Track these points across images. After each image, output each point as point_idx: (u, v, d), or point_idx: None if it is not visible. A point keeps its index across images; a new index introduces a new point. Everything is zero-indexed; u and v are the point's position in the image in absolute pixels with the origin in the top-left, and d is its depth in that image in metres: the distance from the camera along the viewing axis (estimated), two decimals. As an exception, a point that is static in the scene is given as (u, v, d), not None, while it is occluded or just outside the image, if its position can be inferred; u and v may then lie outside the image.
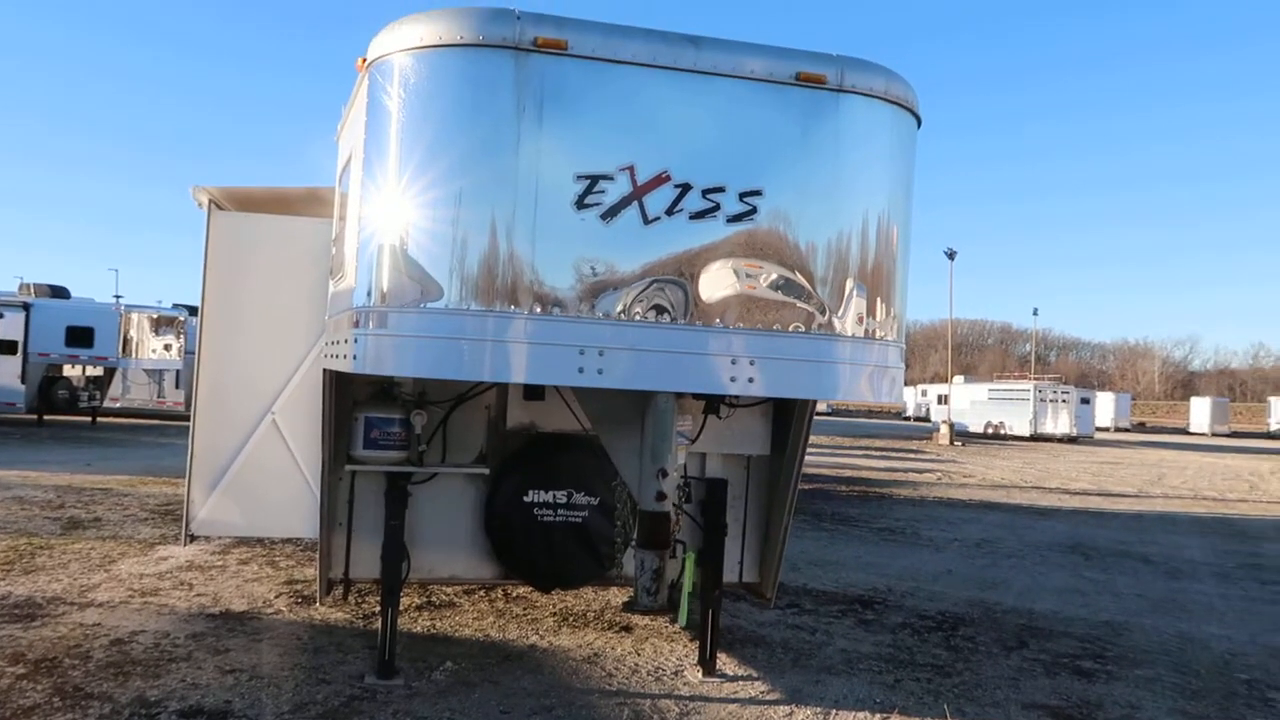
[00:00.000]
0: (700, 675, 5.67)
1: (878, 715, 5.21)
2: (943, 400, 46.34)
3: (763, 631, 6.78)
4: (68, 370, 23.65)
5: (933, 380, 67.53)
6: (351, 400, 5.14)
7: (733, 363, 3.46)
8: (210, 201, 6.04)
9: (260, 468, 5.99)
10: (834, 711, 5.23)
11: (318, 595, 5.36)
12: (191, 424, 6.37)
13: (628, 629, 6.65)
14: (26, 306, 22.18)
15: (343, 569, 5.41)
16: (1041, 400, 44.44)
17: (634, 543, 4.03)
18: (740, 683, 5.62)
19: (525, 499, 5.28)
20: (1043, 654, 6.64)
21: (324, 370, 4.71)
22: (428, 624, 6.45)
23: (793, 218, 3.66)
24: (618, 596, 7.49)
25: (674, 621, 5.66)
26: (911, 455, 28.33)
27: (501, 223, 3.37)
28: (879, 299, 3.82)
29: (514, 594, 7.22)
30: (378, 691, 5.12)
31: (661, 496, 3.56)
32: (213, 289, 6.00)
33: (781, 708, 5.24)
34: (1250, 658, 6.82)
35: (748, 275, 3.55)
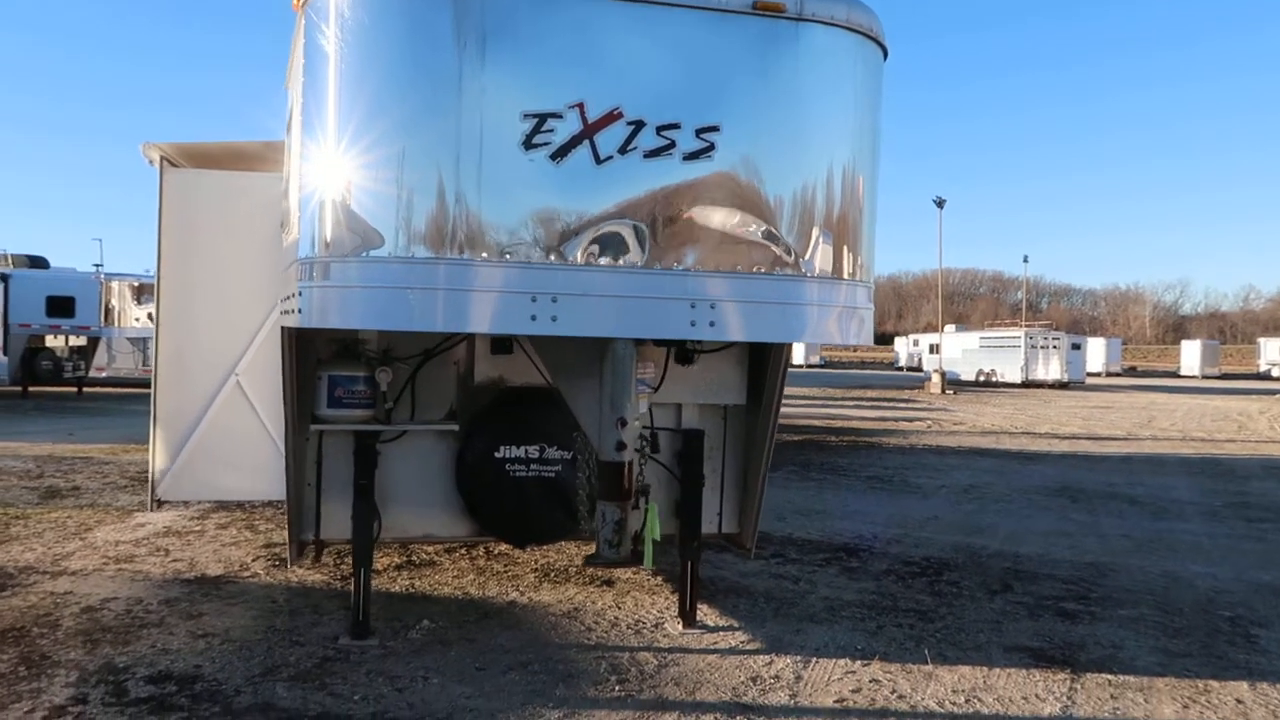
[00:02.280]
0: (680, 627, 5.62)
1: (858, 662, 5.17)
2: (934, 350, 46.32)
3: (746, 582, 6.74)
4: (51, 341, 23.33)
5: (925, 330, 67.56)
6: (315, 359, 5.01)
7: (692, 306, 3.33)
8: (163, 159, 5.85)
9: (225, 431, 5.88)
10: (814, 659, 5.18)
11: (289, 558, 5.27)
12: (153, 388, 6.24)
13: (609, 583, 6.60)
14: (4, 278, 21.89)
15: (313, 531, 5.32)
16: (1033, 347, 44.49)
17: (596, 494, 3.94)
18: (720, 633, 5.57)
19: (496, 455, 5.18)
20: (1026, 596, 6.60)
21: (282, 328, 4.58)
22: (406, 583, 6.39)
23: (753, 154, 3.51)
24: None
25: (643, 568, 5.59)
26: (903, 405, 28.35)
27: (445, 165, 3.21)
28: (846, 237, 3.68)
29: (495, 551, 7.16)
30: (351, 652, 5.05)
31: (621, 446, 3.44)
32: (169, 250, 5.83)
33: (761, 657, 5.19)
34: (1234, 594, 6.80)
35: (706, 215, 3.41)
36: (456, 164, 3.22)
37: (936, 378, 37.44)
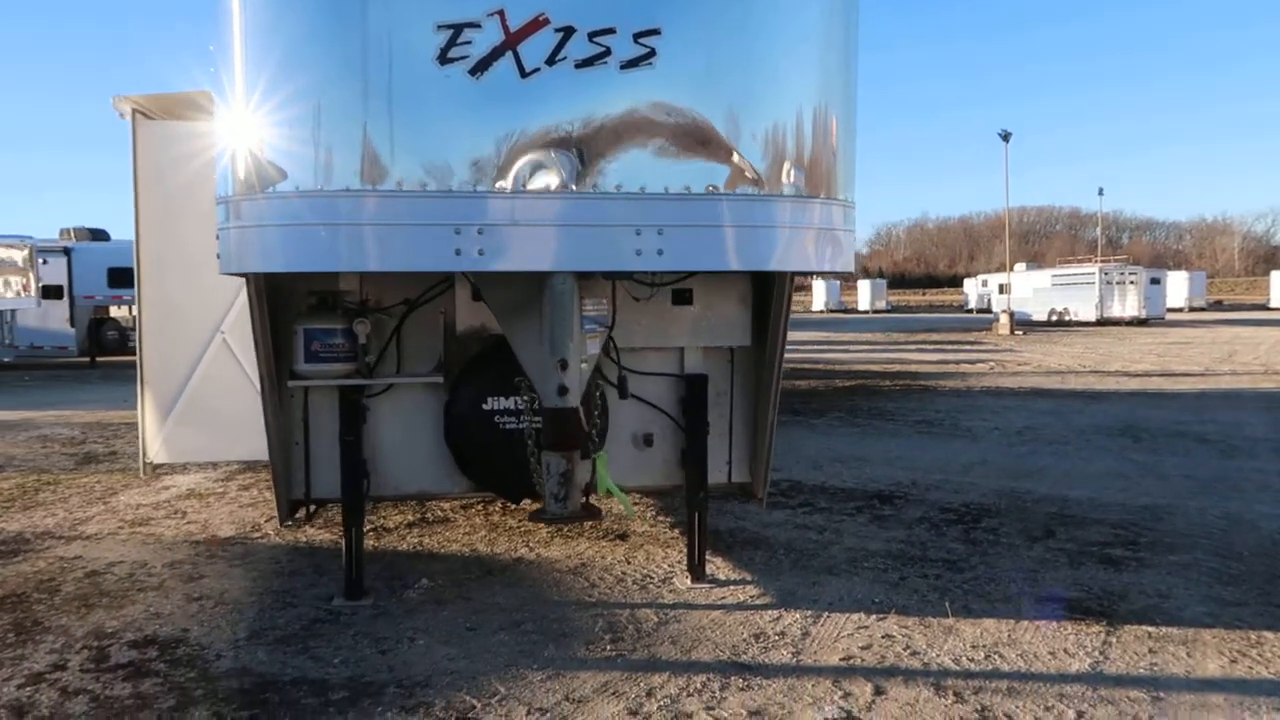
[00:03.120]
0: (689, 582, 5.35)
1: (873, 616, 4.83)
2: (1004, 290, 44.85)
3: (767, 533, 6.43)
4: (115, 311, 23.84)
5: (997, 271, 65.51)
6: (294, 313, 4.80)
7: (637, 234, 3.00)
8: (135, 111, 5.67)
9: (215, 390, 5.75)
10: (826, 614, 4.87)
11: (279, 518, 5.14)
12: (138, 349, 6.14)
13: (623, 537, 6.36)
14: (67, 251, 22.41)
15: (304, 490, 5.17)
16: (1108, 283, 42.75)
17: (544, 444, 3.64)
18: (730, 588, 5.28)
19: (484, 407, 4.94)
20: (1069, 543, 6.17)
21: (245, 280, 4.37)
22: (415, 540, 6.24)
23: (701, 58, 3.12)
24: (619, 504, 7.20)
25: (627, 516, 5.30)
26: (967, 347, 27.48)
27: (353, 87, 2.92)
28: (817, 148, 3.29)
29: (511, 507, 6.96)
30: (343, 613, 4.90)
31: (564, 391, 3.13)
32: (146, 205, 5.67)
33: (769, 613, 4.89)
34: (1302, 537, 6.26)
35: (651, 130, 3.05)
36: (365, 85, 2.92)
37: (1005, 318, 36.25)
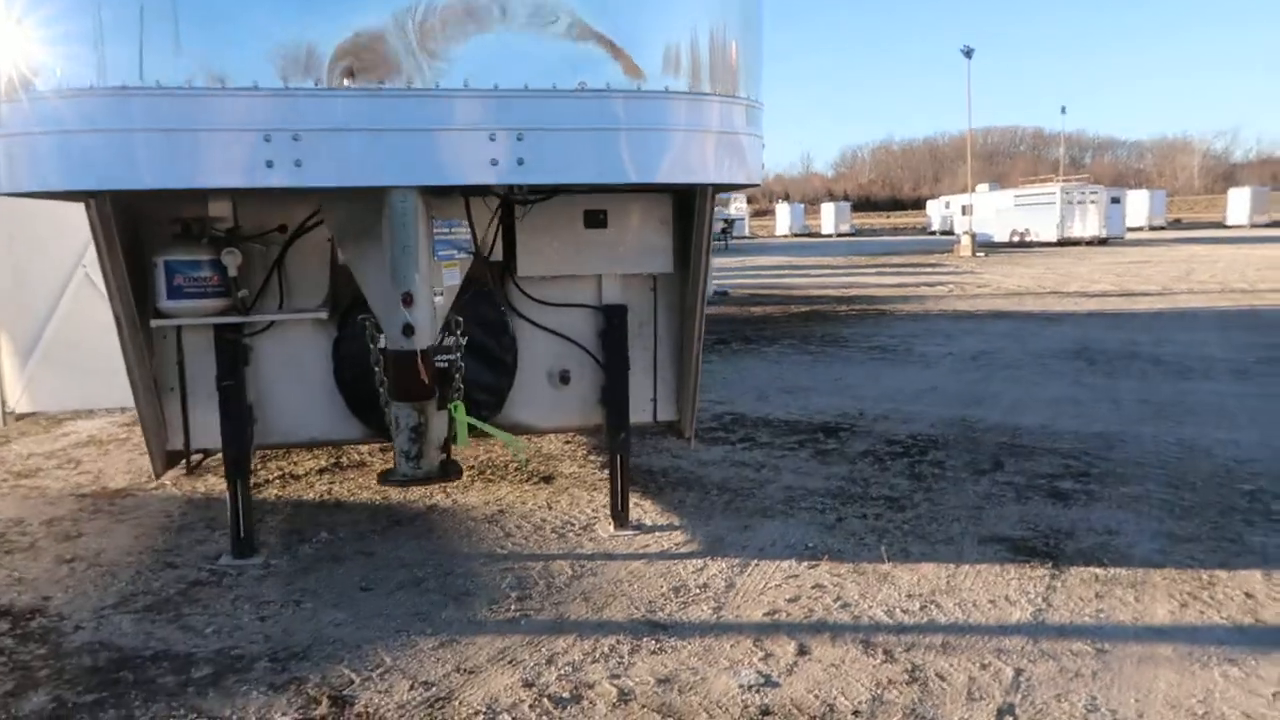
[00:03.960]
0: (611, 529, 4.97)
1: (804, 564, 4.49)
2: (966, 211, 44.52)
3: (702, 471, 6.06)
4: None
5: (961, 192, 65.18)
6: (156, 243, 4.24)
7: (491, 139, 2.50)
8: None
9: (81, 330, 5.21)
10: (753, 563, 4.51)
11: (154, 472, 4.67)
12: None
13: (549, 479, 5.96)
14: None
15: (182, 439, 4.68)
16: (1069, 203, 42.57)
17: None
18: (655, 534, 4.91)
19: (376, 344, 4.45)
20: (1018, 476, 5.86)
21: (85, 206, 3.81)
22: (324, 489, 5.80)
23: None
24: (550, 443, 6.80)
25: (514, 458, 4.89)
26: (928, 270, 27.20)
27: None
28: (714, 34, 2.78)
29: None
30: (227, 574, 4.47)
31: (409, 330, 2.66)
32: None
33: (693, 562, 4.53)
34: (1257, 464, 6.00)
35: (505, 12, 2.53)
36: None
37: (966, 240, 36.01)
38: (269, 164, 2.42)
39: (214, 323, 4.31)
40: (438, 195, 2.75)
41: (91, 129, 2.36)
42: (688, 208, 4.59)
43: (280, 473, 6.16)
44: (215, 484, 5.91)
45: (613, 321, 4.83)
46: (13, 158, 2.48)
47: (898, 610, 3.96)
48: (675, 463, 6.26)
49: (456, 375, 3.84)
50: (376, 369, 4.07)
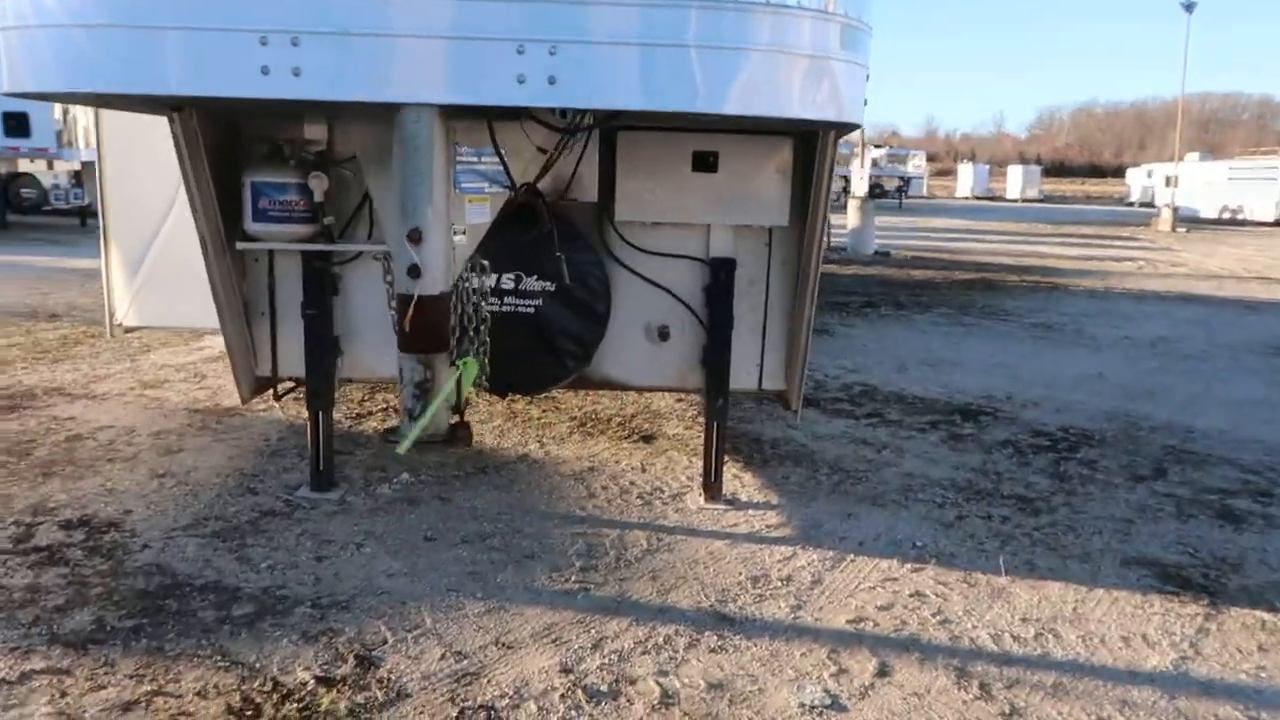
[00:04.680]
0: (701, 501, 4.59)
1: (907, 565, 3.97)
2: (1171, 182, 40.68)
3: (816, 446, 5.56)
4: (29, 166, 19.23)
5: (1168, 161, 59.75)
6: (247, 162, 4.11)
7: (519, 51, 2.09)
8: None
9: (186, 249, 5.18)
10: (849, 557, 4.03)
11: (241, 398, 4.62)
12: (100, 205, 5.65)
13: (649, 438, 5.62)
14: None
15: (270, 366, 4.60)
16: (1294, 178, 38.08)
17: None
18: (747, 512, 4.49)
19: (462, 285, 4.19)
20: (1182, 487, 5.06)
21: (169, 121, 3.68)
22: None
23: None
24: (658, 400, 6.45)
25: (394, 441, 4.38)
26: (1118, 243, 24.99)
27: None
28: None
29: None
30: (301, 506, 4.38)
31: (416, 272, 2.31)
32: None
33: (782, 548, 4.09)
34: None
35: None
36: None
37: (1167, 213, 32.89)
38: (265, 71, 2.13)
39: (295, 249, 4.16)
40: (455, 115, 2.38)
41: (79, 24, 2.13)
42: (809, 153, 4.07)
43: (385, 405, 6.08)
44: (319, 411, 5.89)
45: (718, 276, 4.39)
46: (11, 54, 2.28)
47: (1007, 635, 3.41)
48: (788, 434, 5.78)
49: (481, 328, 3.50)
50: (391, 312, 3.81)
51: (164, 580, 3.60)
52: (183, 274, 5.03)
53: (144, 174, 5.22)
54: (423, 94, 2.13)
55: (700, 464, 5.05)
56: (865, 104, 2.60)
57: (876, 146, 55.90)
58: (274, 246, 4.15)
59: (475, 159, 2.38)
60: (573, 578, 3.75)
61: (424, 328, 2.35)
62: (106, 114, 5.50)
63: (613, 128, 4.14)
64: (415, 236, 2.20)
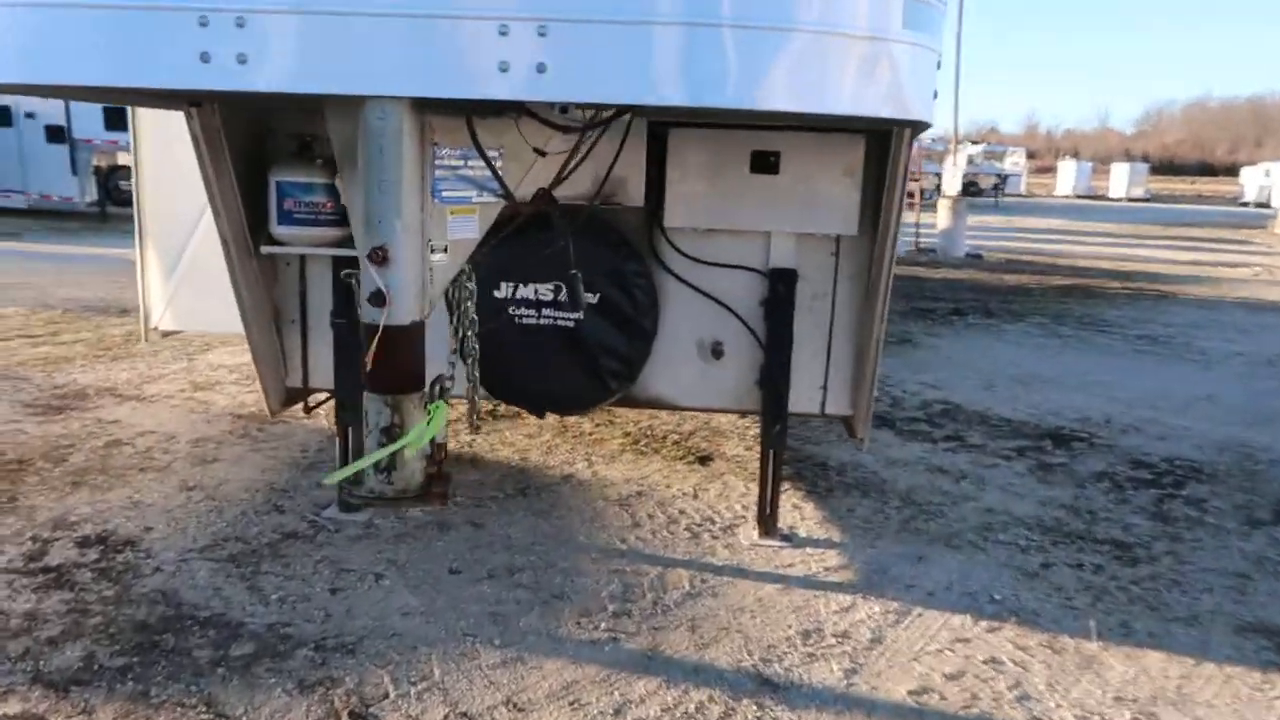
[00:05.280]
0: (755, 536, 4.19)
1: (981, 623, 3.50)
2: (1292, 180, 38.15)
3: (887, 474, 5.09)
4: (127, 159, 20.28)
5: (1287, 158, 56.25)
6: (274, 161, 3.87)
7: (501, 33, 1.73)
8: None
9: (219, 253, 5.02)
10: (916, 611, 3.57)
11: (268, 409, 4.40)
12: (136, 205, 5.50)
13: (706, 459, 5.23)
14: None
15: (301, 376, 4.36)
16: None
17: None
18: (804, 550, 4.07)
19: (496, 294, 3.88)
20: (1310, 536, 4.44)
21: (185, 115, 3.45)
22: (467, 440, 5.38)
23: None
24: (719, 415, 6.04)
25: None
26: (1231, 247, 23.46)
27: None
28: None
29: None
30: (325, 528, 4.13)
31: (380, 299, 1.96)
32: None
33: (840, 597, 3.66)
34: None
35: None
36: None
37: (1286, 215, 30.83)
38: (205, 58, 1.82)
39: (321, 254, 3.90)
40: (430, 110, 2.00)
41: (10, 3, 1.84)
42: (883, 152, 3.62)
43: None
44: (363, 420, 5.66)
45: (778, 289, 3.98)
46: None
47: (1096, 718, 2.92)
48: (857, 458, 5.32)
49: (467, 362, 3.14)
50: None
51: (166, 611, 3.37)
52: (221, 276, 4.85)
53: (180, 172, 5.07)
54: (386, 85, 1.79)
55: (754, 493, 4.64)
56: (935, 96, 2.16)
57: (973, 143, 54.18)
58: (299, 251, 3.90)
59: (460, 163, 2.04)
60: (603, 624, 3.39)
61: (391, 365, 2.02)
62: (142, 110, 5.37)
63: (661, 123, 3.78)
64: (379, 256, 1.87)
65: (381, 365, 2.03)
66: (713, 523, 4.35)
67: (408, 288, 1.97)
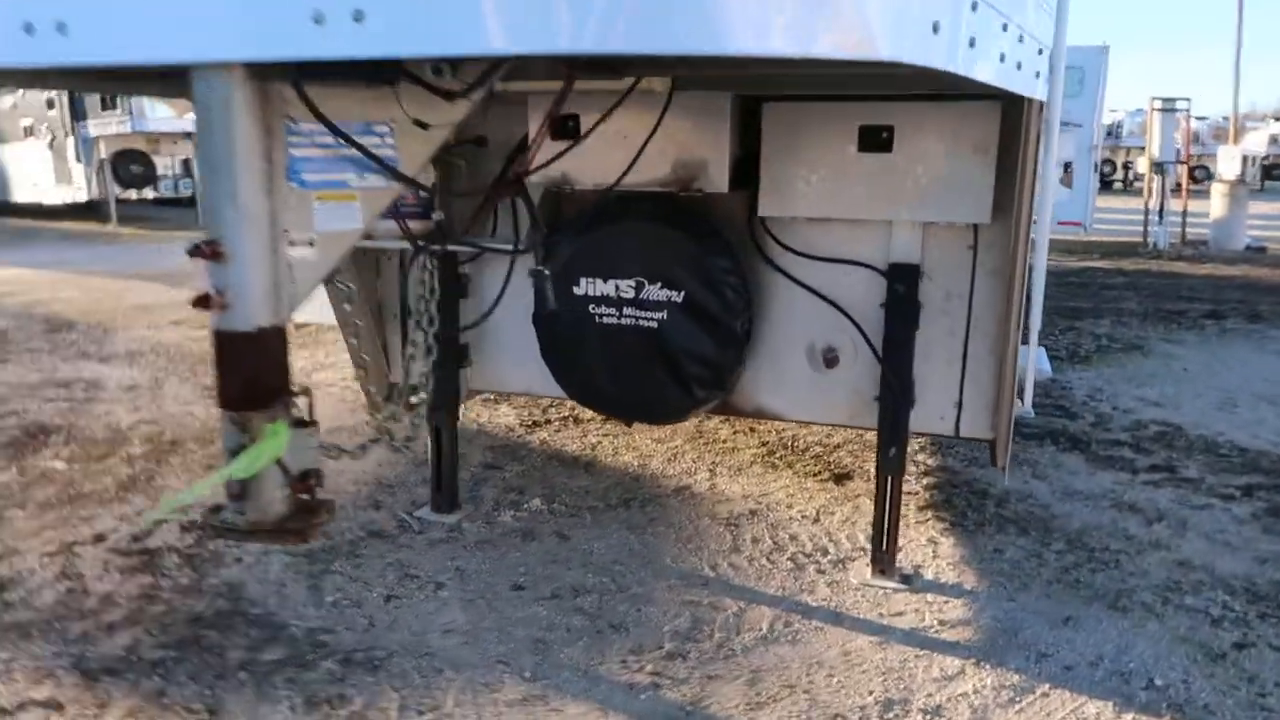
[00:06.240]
0: (868, 574, 3.61)
1: (1130, 715, 2.76)
2: None
3: (1060, 509, 4.28)
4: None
5: None
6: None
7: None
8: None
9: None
10: (1041, 690, 2.89)
11: (369, 408, 4.34)
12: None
13: (843, 478, 4.65)
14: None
15: (403, 372, 4.26)
16: None
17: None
18: (924, 597, 3.45)
19: (575, 291, 3.55)
20: None
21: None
22: (590, 443, 5.12)
23: None
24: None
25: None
26: None
27: None
28: None
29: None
30: (410, 529, 4.01)
31: (211, 302, 1.62)
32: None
33: (945, 660, 3.03)
34: None
35: None
36: None
37: None
38: (29, 29, 1.61)
39: (397, 247, 3.75)
40: (264, 77, 1.63)
41: None
42: (1016, 113, 2.95)
43: (566, 414, 5.61)
44: (506, 417, 5.56)
45: (896, 289, 3.38)
46: None
47: None
48: (1028, 486, 4.53)
49: (426, 363, 2.76)
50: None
51: (224, 605, 3.35)
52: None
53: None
54: (206, 50, 1.50)
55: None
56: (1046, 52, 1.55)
57: (1277, 119, 47.45)
58: (380, 245, 3.77)
59: (333, 141, 1.71)
60: (650, 666, 2.99)
61: (235, 377, 1.74)
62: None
63: (754, 98, 3.29)
64: (210, 250, 1.59)
65: (225, 377, 1.76)
66: (825, 553, 3.81)
67: (250, 287, 1.68)
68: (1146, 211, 15.03)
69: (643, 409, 3.71)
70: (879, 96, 3.19)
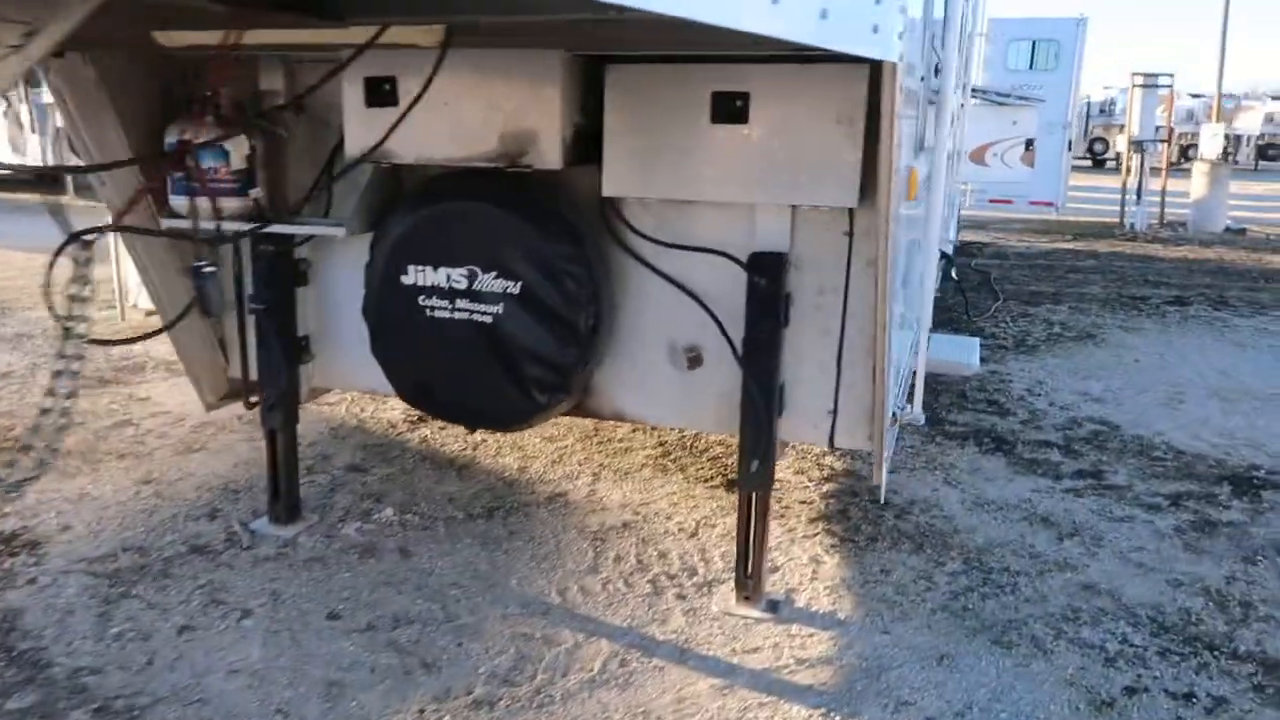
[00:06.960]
0: (731, 601, 3.22)
1: (981, 784, 2.37)
2: None
3: (964, 522, 3.90)
4: None
5: None
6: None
7: None
8: None
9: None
10: (891, 748, 2.50)
11: (203, 403, 3.92)
12: None
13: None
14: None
15: (240, 367, 3.85)
16: None
17: None
18: (789, 629, 3.07)
19: (404, 279, 3.13)
20: None
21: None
22: (474, 441, 4.72)
23: None
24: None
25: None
26: None
27: None
28: None
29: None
30: (241, 542, 3.61)
31: None
32: None
33: (793, 711, 2.65)
34: None
35: None
36: None
37: None
38: None
39: (233, 231, 3.32)
40: None
41: None
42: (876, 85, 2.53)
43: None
44: (390, 412, 5.14)
45: (758, 281, 2.96)
46: None
47: None
48: (936, 494, 4.14)
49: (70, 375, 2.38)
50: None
51: (-9, 637, 2.95)
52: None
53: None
54: None
55: (781, 533, 3.68)
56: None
57: (1274, 99, 46.82)
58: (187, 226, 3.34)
59: None
60: (449, 717, 2.60)
61: None
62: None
63: (595, 57, 2.87)
64: None
65: None
66: (692, 574, 3.42)
67: None
68: (1124, 191, 14.59)
69: (479, 414, 3.30)
70: (734, 58, 2.76)
